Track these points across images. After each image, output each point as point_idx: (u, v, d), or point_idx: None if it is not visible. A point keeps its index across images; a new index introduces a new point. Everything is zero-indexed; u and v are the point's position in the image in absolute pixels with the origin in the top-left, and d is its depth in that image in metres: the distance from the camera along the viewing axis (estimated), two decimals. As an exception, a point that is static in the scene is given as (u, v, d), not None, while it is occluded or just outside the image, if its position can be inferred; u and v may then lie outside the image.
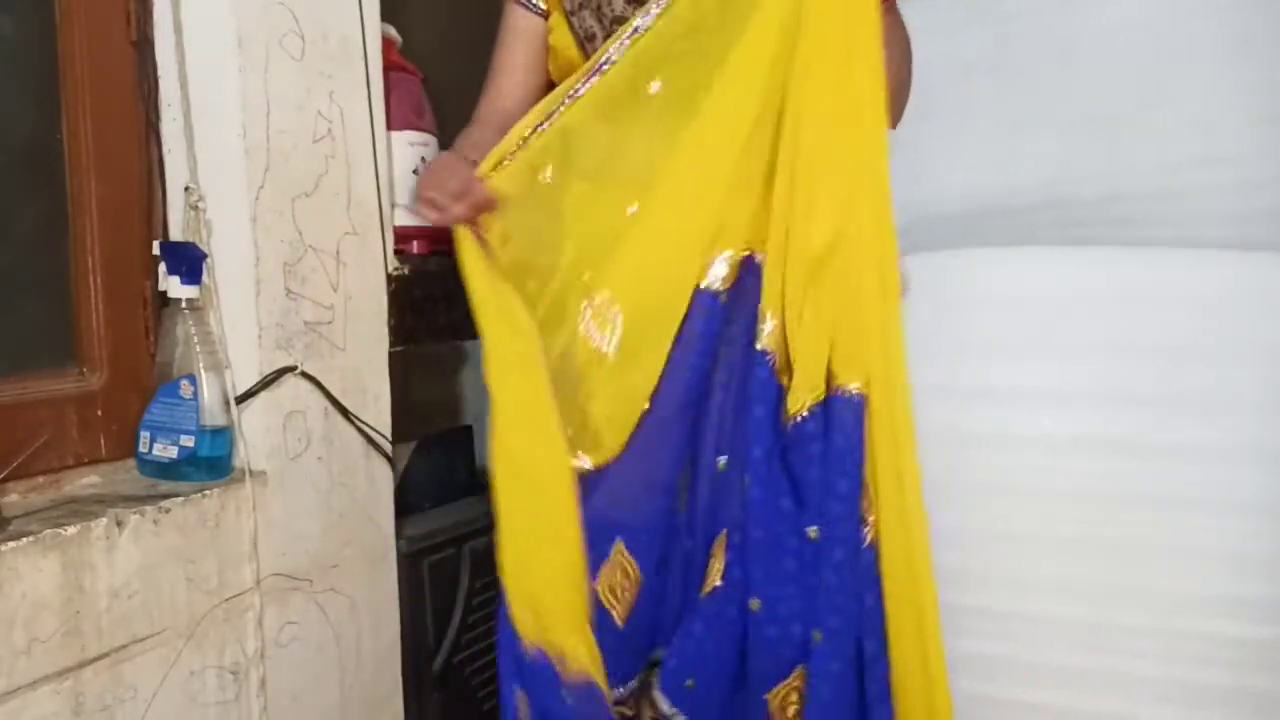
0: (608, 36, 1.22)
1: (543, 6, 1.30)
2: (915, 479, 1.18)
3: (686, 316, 1.15)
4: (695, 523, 1.21)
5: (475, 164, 1.15)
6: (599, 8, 1.24)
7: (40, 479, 1.05)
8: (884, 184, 1.11)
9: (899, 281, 1.15)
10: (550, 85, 1.34)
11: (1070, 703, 1.37)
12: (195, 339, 1.10)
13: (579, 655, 1.13)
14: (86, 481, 1.09)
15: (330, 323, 1.22)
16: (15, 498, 1.01)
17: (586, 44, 1.25)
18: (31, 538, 0.90)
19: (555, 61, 1.32)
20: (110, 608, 0.96)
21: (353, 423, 1.25)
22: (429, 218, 1.15)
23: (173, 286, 1.10)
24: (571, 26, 1.26)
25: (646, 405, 1.16)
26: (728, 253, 1.16)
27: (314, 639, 1.20)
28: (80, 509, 0.99)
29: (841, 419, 1.13)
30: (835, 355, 1.14)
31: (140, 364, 1.15)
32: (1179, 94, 1.65)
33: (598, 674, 1.13)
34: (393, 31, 1.43)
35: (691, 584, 1.21)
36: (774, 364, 1.16)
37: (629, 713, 1.24)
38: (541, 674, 1.14)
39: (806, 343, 1.14)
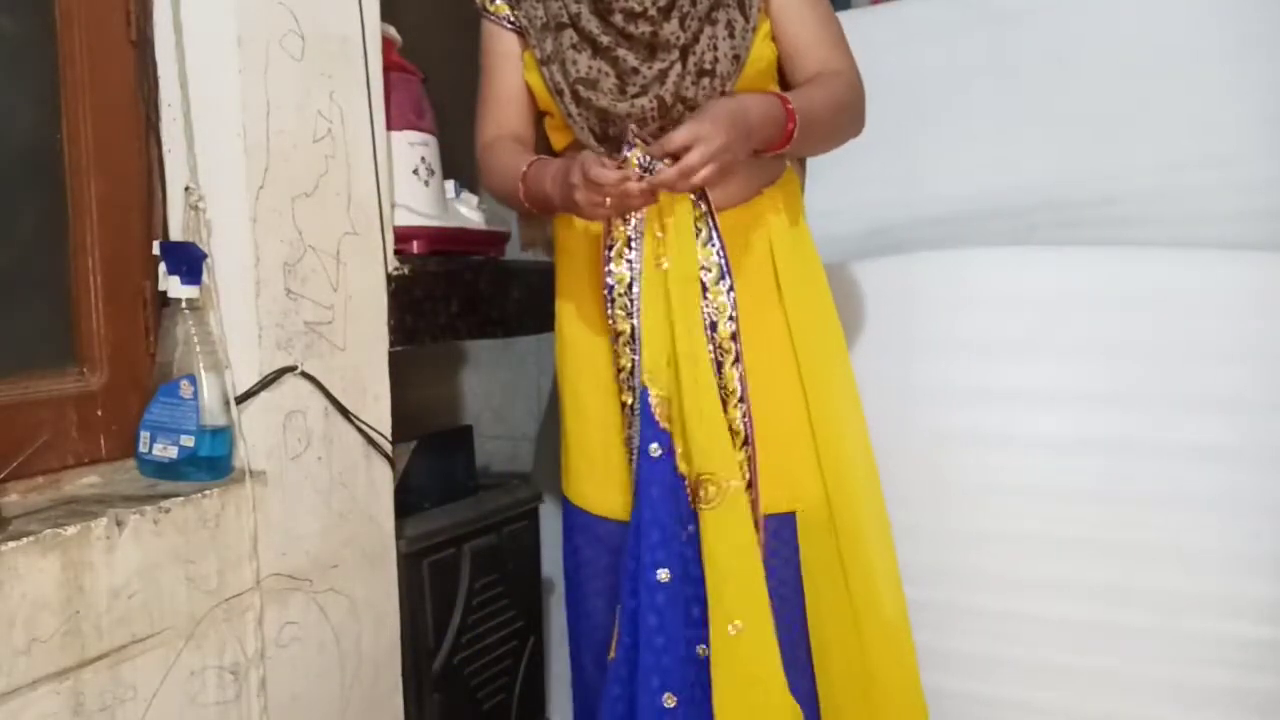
0: (574, 96, 1.20)
1: (514, 25, 1.26)
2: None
3: None
4: None
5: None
6: (563, 64, 1.21)
7: (40, 479, 1.05)
8: None
9: None
10: (540, 114, 1.32)
11: (1070, 703, 1.37)
12: (195, 339, 1.10)
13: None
14: (86, 481, 1.09)
15: (330, 323, 1.22)
16: (15, 498, 1.01)
17: (558, 99, 1.22)
18: (31, 538, 0.90)
19: (535, 97, 1.28)
20: (110, 608, 0.96)
21: (353, 423, 1.25)
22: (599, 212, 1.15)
23: (173, 286, 1.10)
24: (544, 76, 1.23)
25: None
26: None
27: (314, 639, 1.20)
28: (80, 509, 0.99)
29: None
30: None
31: (140, 364, 1.15)
32: (1177, 94, 1.65)
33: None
34: (393, 31, 1.43)
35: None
36: None
37: None
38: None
39: None
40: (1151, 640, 1.33)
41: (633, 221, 1.20)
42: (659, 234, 1.19)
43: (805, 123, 1.17)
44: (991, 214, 1.75)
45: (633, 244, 1.20)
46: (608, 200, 1.10)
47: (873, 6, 2.02)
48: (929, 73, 1.82)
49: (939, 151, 1.83)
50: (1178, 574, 1.32)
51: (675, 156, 1.09)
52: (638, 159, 1.13)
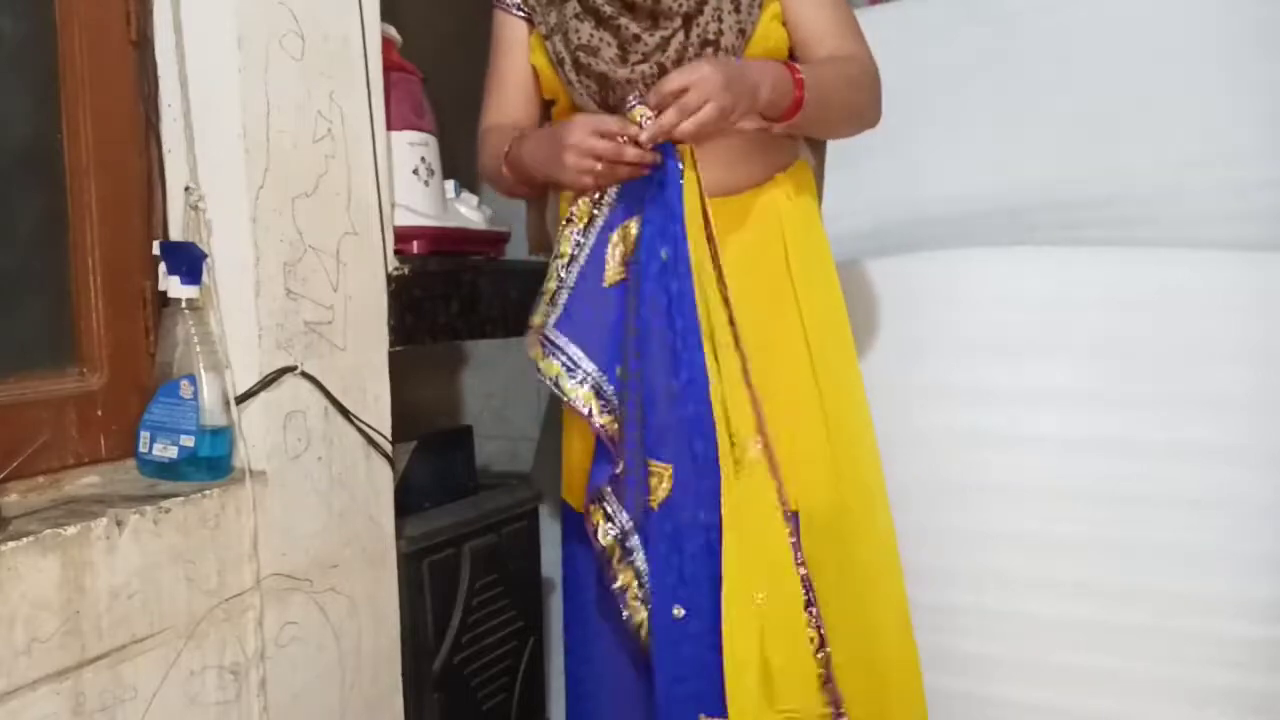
0: (575, 64, 1.22)
1: (524, 10, 1.29)
2: None
3: None
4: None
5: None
6: (565, 34, 1.22)
7: (40, 479, 1.04)
8: None
9: None
10: (546, 104, 1.33)
11: (1070, 703, 1.37)
12: (195, 339, 1.10)
13: None
14: (86, 481, 1.09)
15: (330, 323, 1.22)
16: (15, 498, 1.01)
17: (559, 68, 1.24)
18: (31, 538, 0.90)
19: (541, 81, 1.31)
20: (110, 608, 0.96)
21: (353, 423, 1.25)
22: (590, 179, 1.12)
23: (173, 286, 1.10)
24: (546, 50, 1.25)
25: None
26: None
27: (314, 639, 1.20)
28: (80, 509, 0.99)
29: None
30: None
31: (140, 364, 1.15)
32: (1177, 94, 1.65)
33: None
34: (393, 31, 1.43)
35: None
36: None
37: None
38: None
39: None
40: (1151, 640, 1.33)
41: (606, 198, 1.16)
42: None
43: (815, 92, 1.13)
44: (991, 214, 1.75)
45: (594, 222, 1.17)
46: (598, 165, 1.08)
47: (872, 6, 2.02)
48: (929, 72, 1.82)
49: (939, 151, 1.82)
50: (1178, 574, 1.32)
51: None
52: (641, 115, 1.09)
